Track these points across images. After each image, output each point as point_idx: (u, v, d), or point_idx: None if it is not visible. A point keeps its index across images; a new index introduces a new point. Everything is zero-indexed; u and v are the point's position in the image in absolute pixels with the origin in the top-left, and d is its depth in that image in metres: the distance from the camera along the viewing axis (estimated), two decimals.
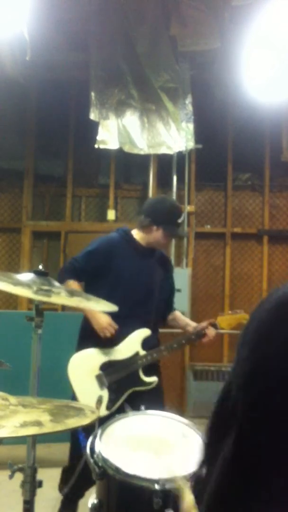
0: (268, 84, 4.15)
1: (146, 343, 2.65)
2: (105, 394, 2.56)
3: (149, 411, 1.97)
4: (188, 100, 5.07)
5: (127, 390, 2.59)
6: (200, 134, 5.16)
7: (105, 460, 1.59)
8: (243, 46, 4.10)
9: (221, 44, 4.56)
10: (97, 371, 2.60)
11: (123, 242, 2.72)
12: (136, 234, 2.76)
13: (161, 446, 1.71)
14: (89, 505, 1.66)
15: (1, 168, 5.81)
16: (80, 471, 2.60)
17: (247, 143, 5.72)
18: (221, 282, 5.73)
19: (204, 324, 2.69)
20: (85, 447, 1.74)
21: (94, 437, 1.71)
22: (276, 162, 5.67)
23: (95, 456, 1.63)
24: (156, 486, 1.47)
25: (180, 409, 5.40)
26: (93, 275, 2.66)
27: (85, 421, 1.42)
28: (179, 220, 2.72)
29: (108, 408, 2.54)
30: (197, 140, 5.10)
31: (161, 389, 2.77)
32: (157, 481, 1.48)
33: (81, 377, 2.58)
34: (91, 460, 1.63)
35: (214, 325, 2.69)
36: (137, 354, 2.63)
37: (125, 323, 2.58)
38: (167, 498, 1.50)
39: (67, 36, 4.84)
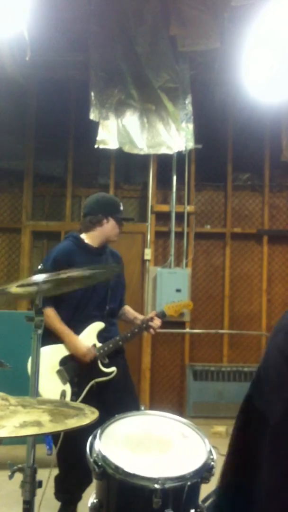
0: (268, 84, 4.15)
1: (102, 336, 2.78)
2: (67, 388, 2.65)
3: (149, 411, 1.97)
4: (188, 100, 5.07)
5: (88, 382, 2.68)
6: (200, 134, 5.16)
7: (104, 460, 1.59)
8: (243, 46, 4.10)
9: (221, 44, 4.56)
10: (57, 367, 2.69)
11: (76, 248, 2.84)
12: (85, 237, 2.89)
13: (161, 446, 1.71)
14: (89, 505, 1.66)
15: (1, 168, 5.81)
16: (75, 473, 2.63)
17: (247, 143, 5.72)
18: (221, 282, 5.73)
19: (148, 316, 2.88)
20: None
21: (94, 437, 1.71)
22: (276, 162, 5.67)
23: (94, 455, 1.63)
24: (156, 486, 1.47)
25: (180, 409, 5.40)
26: None
27: (85, 421, 1.41)
28: (121, 207, 2.93)
29: (72, 401, 2.60)
30: (197, 140, 5.10)
31: (128, 378, 2.90)
32: (157, 481, 1.48)
33: (42, 374, 2.61)
34: (91, 460, 1.63)
35: (162, 314, 2.89)
36: (93, 346, 2.74)
37: (85, 322, 2.75)
38: (167, 497, 1.50)
39: (67, 36, 4.84)
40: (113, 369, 2.75)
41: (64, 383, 2.67)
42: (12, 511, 2.98)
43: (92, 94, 4.95)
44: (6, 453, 3.36)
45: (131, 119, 5.04)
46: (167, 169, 5.55)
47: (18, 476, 1.70)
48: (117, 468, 1.54)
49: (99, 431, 1.72)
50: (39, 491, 1.75)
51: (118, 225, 2.90)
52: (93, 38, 4.88)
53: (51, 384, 2.64)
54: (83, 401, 2.56)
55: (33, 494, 1.70)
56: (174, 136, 5.04)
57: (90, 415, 1.47)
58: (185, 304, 3.06)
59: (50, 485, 2.45)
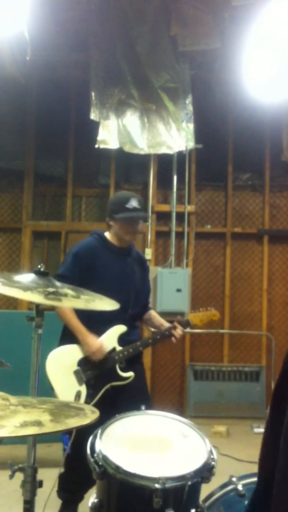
0: (268, 84, 4.15)
1: (123, 340, 2.73)
2: (83, 389, 2.62)
3: (149, 411, 1.97)
4: (188, 100, 5.07)
5: (104, 385, 2.65)
6: (200, 134, 5.16)
7: (105, 459, 1.59)
8: (243, 46, 4.10)
9: (221, 44, 4.57)
10: (75, 367, 2.65)
11: (100, 246, 2.79)
12: (108, 236, 2.85)
13: (161, 445, 1.71)
14: (89, 504, 1.66)
15: (1, 168, 5.81)
16: (79, 473, 2.62)
17: (247, 143, 5.72)
18: (221, 282, 5.73)
19: (172, 324, 2.81)
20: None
21: (94, 437, 1.71)
22: (277, 162, 5.67)
23: (95, 455, 1.63)
24: (157, 485, 1.47)
25: (180, 409, 5.40)
26: (80, 283, 2.70)
27: (85, 421, 1.42)
28: (128, 205, 2.73)
29: (86, 402, 2.59)
30: (197, 140, 5.10)
31: (143, 384, 2.85)
32: (157, 480, 1.48)
33: (59, 373, 2.62)
34: (91, 460, 1.63)
35: (186, 323, 2.82)
36: (113, 350, 2.70)
37: (106, 323, 2.68)
38: (167, 497, 1.50)
39: (67, 36, 4.84)
40: (130, 374, 2.70)
41: (80, 384, 2.63)
42: (12, 511, 2.98)
43: (93, 94, 4.95)
44: (6, 452, 3.36)
45: (131, 119, 5.04)
46: (168, 169, 5.55)
47: (19, 476, 1.71)
48: (117, 468, 1.54)
49: (99, 431, 1.72)
50: (41, 490, 1.75)
51: (123, 226, 2.75)
52: (94, 38, 4.88)
53: (67, 384, 2.61)
54: (97, 403, 2.56)
55: (33, 494, 1.70)
56: (175, 136, 5.04)
57: (91, 415, 1.47)
58: (212, 314, 2.90)
59: (51, 485, 2.45)
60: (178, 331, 2.76)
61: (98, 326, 2.68)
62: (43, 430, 1.31)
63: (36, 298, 1.63)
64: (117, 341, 2.71)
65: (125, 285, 2.75)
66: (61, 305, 1.69)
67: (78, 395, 2.58)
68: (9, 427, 1.28)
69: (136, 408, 1.96)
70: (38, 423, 1.33)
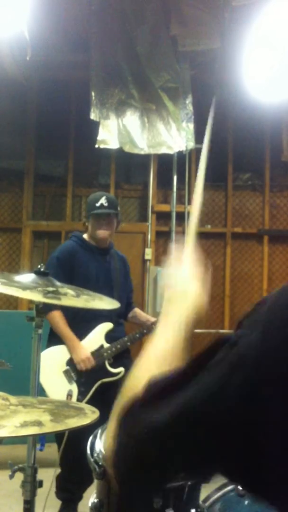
0: (268, 84, 4.14)
1: (110, 336, 2.80)
2: (74, 388, 2.68)
3: None
4: (189, 100, 5.07)
5: (95, 382, 2.71)
6: (200, 134, 5.15)
7: (105, 459, 1.59)
8: (243, 46, 4.10)
9: (221, 44, 4.57)
10: (64, 367, 2.72)
11: (79, 247, 2.90)
12: (86, 237, 2.95)
13: None
14: (89, 505, 1.66)
15: (1, 168, 5.81)
16: (75, 472, 2.63)
17: (247, 143, 5.72)
18: (221, 282, 5.73)
19: (157, 318, 2.77)
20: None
21: (94, 437, 1.71)
22: (277, 162, 5.67)
23: (95, 455, 1.63)
24: None
25: None
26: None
27: (85, 421, 1.42)
28: (98, 203, 2.84)
29: (78, 400, 2.65)
30: (197, 140, 5.10)
31: None
32: None
33: (50, 373, 2.68)
34: (91, 460, 1.63)
35: None
36: (101, 347, 2.77)
37: (91, 321, 2.76)
38: (167, 497, 1.50)
39: (67, 36, 4.84)
40: (121, 369, 2.76)
41: (71, 382, 2.69)
42: (12, 511, 2.98)
43: (93, 94, 4.95)
44: (6, 452, 3.36)
45: (131, 119, 5.04)
46: (168, 169, 5.55)
47: (19, 476, 1.71)
48: None
49: (99, 431, 1.72)
50: (42, 490, 1.75)
51: (94, 225, 2.87)
52: (94, 38, 4.88)
53: (58, 384, 2.67)
54: (89, 401, 2.60)
55: (33, 494, 1.70)
56: (175, 136, 5.04)
57: (91, 414, 1.47)
58: None
59: (51, 485, 2.45)
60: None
61: (84, 324, 2.75)
62: (43, 430, 1.31)
63: (35, 296, 1.64)
64: (104, 338, 2.79)
65: (106, 283, 2.83)
66: (59, 304, 1.69)
67: (69, 394, 2.64)
68: (9, 427, 1.29)
69: None
70: (38, 423, 1.33)
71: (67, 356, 2.73)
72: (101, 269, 2.89)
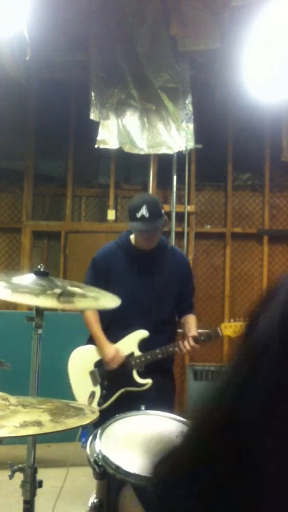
0: (268, 84, 4.15)
1: (144, 345, 2.66)
2: (97, 390, 2.62)
3: (149, 411, 1.97)
4: (188, 100, 5.07)
5: (119, 389, 2.62)
6: (200, 134, 5.16)
7: (105, 460, 1.59)
8: (243, 46, 4.10)
9: (221, 44, 4.57)
10: (91, 368, 2.67)
11: (119, 250, 2.75)
12: (132, 238, 2.77)
13: (161, 446, 1.71)
14: (89, 505, 1.66)
15: (1, 168, 5.81)
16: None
17: (247, 143, 5.71)
18: (221, 282, 5.73)
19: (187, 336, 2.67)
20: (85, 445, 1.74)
21: (94, 437, 1.71)
22: (276, 162, 5.67)
23: (95, 455, 1.63)
24: None
25: (180, 409, 5.40)
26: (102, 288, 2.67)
27: (85, 421, 1.42)
28: (138, 214, 2.56)
29: (99, 404, 2.58)
30: (197, 140, 5.10)
31: (166, 393, 2.72)
32: None
33: (77, 372, 2.67)
34: (91, 460, 1.63)
35: (208, 336, 2.69)
36: (131, 354, 2.65)
37: (125, 328, 2.64)
38: None
39: (67, 36, 4.84)
40: (148, 381, 2.62)
41: (95, 384, 2.64)
42: (12, 511, 2.98)
43: (92, 94, 4.95)
44: (6, 453, 3.36)
45: (131, 119, 5.04)
46: (167, 169, 5.55)
47: (19, 476, 1.70)
48: (117, 468, 1.54)
49: (99, 431, 1.72)
50: (39, 491, 1.74)
51: (136, 234, 2.68)
52: (94, 38, 4.88)
53: (83, 383, 2.64)
54: (110, 407, 2.54)
55: (33, 494, 1.70)
56: (175, 136, 5.04)
57: (90, 415, 1.47)
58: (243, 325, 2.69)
59: (50, 485, 2.45)
60: (185, 344, 2.61)
61: (117, 331, 2.66)
62: (43, 430, 1.31)
63: (50, 303, 1.63)
64: (138, 346, 2.65)
65: (142, 290, 2.67)
66: (75, 308, 1.68)
67: (92, 395, 2.58)
68: (9, 427, 1.29)
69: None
70: (38, 423, 1.33)
71: (96, 357, 2.67)
72: (139, 274, 2.70)
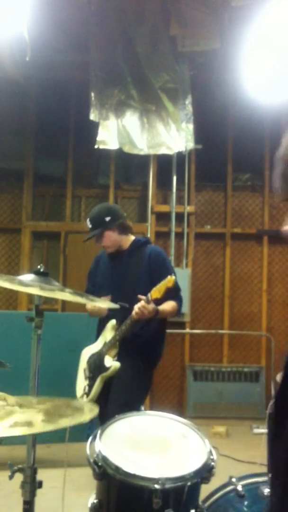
0: (268, 84, 4.15)
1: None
2: (87, 384, 2.84)
3: (149, 411, 1.97)
4: (188, 101, 5.07)
5: (97, 377, 2.78)
6: (200, 134, 5.16)
7: (105, 460, 1.58)
8: (243, 46, 4.10)
9: (221, 44, 4.57)
10: (85, 364, 2.92)
11: (104, 255, 3.07)
12: None
13: (161, 446, 1.71)
14: (89, 505, 1.66)
15: (1, 168, 5.81)
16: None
17: (247, 143, 5.71)
18: (221, 283, 5.73)
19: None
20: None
21: (94, 437, 1.71)
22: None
23: (94, 456, 1.63)
24: (156, 486, 1.47)
25: (180, 410, 5.40)
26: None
27: (79, 419, 1.42)
28: (87, 222, 3.00)
29: (86, 396, 2.79)
30: (197, 141, 5.10)
31: (127, 377, 2.75)
32: (157, 481, 1.48)
33: (80, 370, 2.96)
34: (91, 460, 1.62)
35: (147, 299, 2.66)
36: (104, 344, 2.86)
37: (108, 320, 2.86)
38: (167, 498, 1.50)
39: (67, 36, 4.84)
40: (113, 363, 2.73)
41: (86, 379, 2.86)
42: None
43: (92, 94, 4.95)
44: (6, 453, 3.36)
45: (131, 120, 5.04)
46: (167, 170, 5.55)
47: (18, 477, 1.70)
48: (117, 469, 1.54)
49: (99, 431, 1.72)
50: (39, 492, 1.74)
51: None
52: (93, 38, 4.88)
53: (80, 380, 2.91)
54: (97, 399, 2.73)
55: (33, 495, 1.70)
56: (174, 136, 5.04)
57: (88, 413, 1.47)
58: (167, 281, 2.61)
59: (50, 485, 2.45)
60: (138, 305, 2.62)
61: (104, 324, 2.89)
62: (32, 430, 1.32)
63: (31, 290, 1.67)
64: (109, 335, 2.84)
65: (116, 284, 2.89)
66: (52, 296, 1.72)
67: (84, 390, 2.81)
68: (0, 428, 1.29)
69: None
70: (28, 424, 1.33)
71: (89, 353, 2.91)
72: (113, 271, 2.97)
